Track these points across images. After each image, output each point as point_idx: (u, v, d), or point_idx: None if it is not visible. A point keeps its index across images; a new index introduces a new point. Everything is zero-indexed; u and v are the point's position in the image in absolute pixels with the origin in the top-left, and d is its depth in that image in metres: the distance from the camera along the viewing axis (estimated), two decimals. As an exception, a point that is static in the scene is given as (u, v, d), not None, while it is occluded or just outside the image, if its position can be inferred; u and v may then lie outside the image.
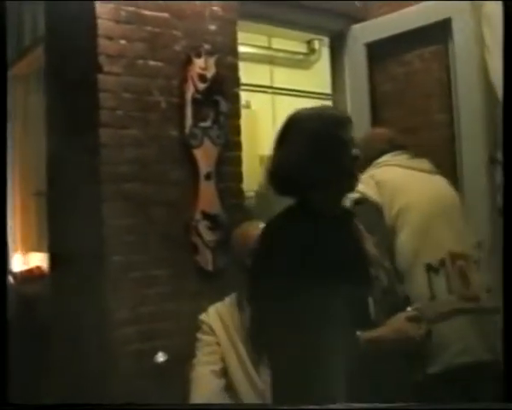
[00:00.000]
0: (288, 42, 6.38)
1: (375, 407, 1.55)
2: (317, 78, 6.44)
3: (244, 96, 5.64)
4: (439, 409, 1.54)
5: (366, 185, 2.66)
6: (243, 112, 4.71)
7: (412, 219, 2.66)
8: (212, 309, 2.99)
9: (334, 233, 2.07)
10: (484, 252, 3.68)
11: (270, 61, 6.36)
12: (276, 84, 6.42)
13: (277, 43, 6.37)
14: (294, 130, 2.13)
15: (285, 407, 1.61)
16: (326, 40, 5.96)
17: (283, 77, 6.46)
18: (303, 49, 6.59)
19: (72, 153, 3.43)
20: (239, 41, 3.88)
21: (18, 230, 4.73)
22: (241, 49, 5.27)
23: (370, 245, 2.17)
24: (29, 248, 4.59)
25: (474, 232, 3.73)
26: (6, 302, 1.86)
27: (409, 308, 2.13)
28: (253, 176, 5.64)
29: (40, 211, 4.38)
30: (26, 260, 4.50)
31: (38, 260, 4.34)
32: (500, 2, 3.65)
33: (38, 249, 4.42)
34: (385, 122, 4.26)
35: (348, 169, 2.09)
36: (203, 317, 2.97)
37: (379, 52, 4.27)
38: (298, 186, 2.10)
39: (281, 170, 2.10)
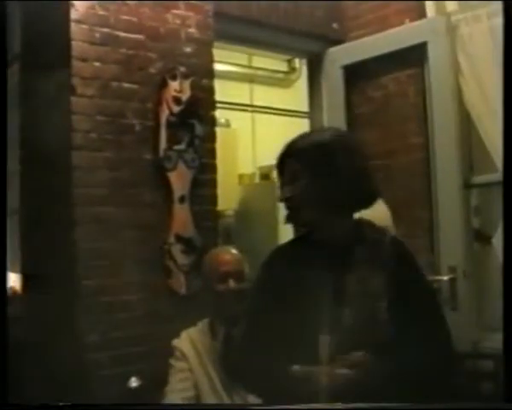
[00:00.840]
0: (269, 60, 6.39)
1: (375, 407, 1.54)
2: (298, 96, 6.45)
3: (224, 114, 5.67)
4: (439, 409, 1.54)
5: None
6: (223, 131, 4.73)
7: None
8: (184, 335, 2.98)
9: (339, 263, 2.02)
10: (457, 275, 3.71)
11: (251, 79, 6.38)
12: (256, 103, 6.43)
13: (258, 61, 6.38)
14: (299, 159, 2.06)
15: (285, 407, 1.60)
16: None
17: (263, 95, 6.48)
18: (283, 67, 6.61)
19: (44, 174, 3.40)
20: (219, 59, 3.89)
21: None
22: (221, 67, 5.31)
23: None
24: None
25: (448, 256, 3.77)
26: (6, 302, 1.87)
27: None
28: (231, 195, 5.66)
29: (14, 230, 4.33)
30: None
31: (12, 280, 4.29)
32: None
33: (12, 270, 4.37)
34: (361, 144, 4.27)
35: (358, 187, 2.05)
36: (176, 343, 2.95)
37: (356, 74, 4.28)
38: (311, 217, 2.06)
39: (294, 202, 2.06)
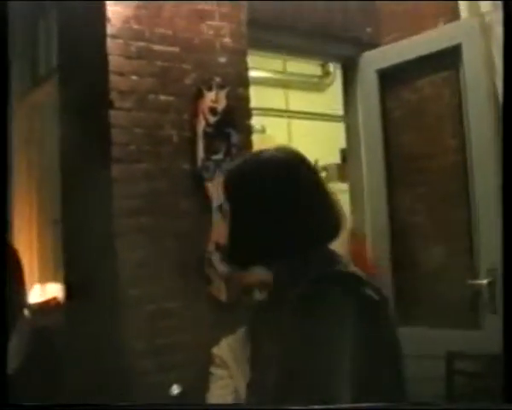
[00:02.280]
0: (303, 65, 6.41)
1: (374, 407, 1.48)
2: (332, 100, 6.46)
3: (259, 120, 5.70)
4: (439, 409, 1.54)
5: None
6: (259, 137, 4.75)
7: None
8: (224, 342, 3.00)
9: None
10: (496, 278, 3.69)
11: (285, 84, 6.41)
12: (292, 108, 6.46)
13: (292, 66, 6.41)
14: (238, 191, 1.80)
15: (285, 407, 1.51)
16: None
17: (298, 100, 6.50)
18: (317, 71, 6.63)
19: (85, 186, 3.46)
20: (253, 66, 3.91)
21: (35, 259, 4.78)
22: (256, 73, 5.35)
23: None
24: (46, 278, 4.63)
25: (486, 259, 3.75)
26: (6, 303, 1.80)
27: None
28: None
29: (57, 241, 4.42)
30: (43, 291, 4.54)
31: (55, 290, 4.37)
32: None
33: (55, 280, 4.46)
34: (398, 147, 4.28)
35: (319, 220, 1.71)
36: (215, 350, 2.98)
37: (391, 78, 4.28)
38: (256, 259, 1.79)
39: (235, 242, 1.83)
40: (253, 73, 4.07)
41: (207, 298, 3.52)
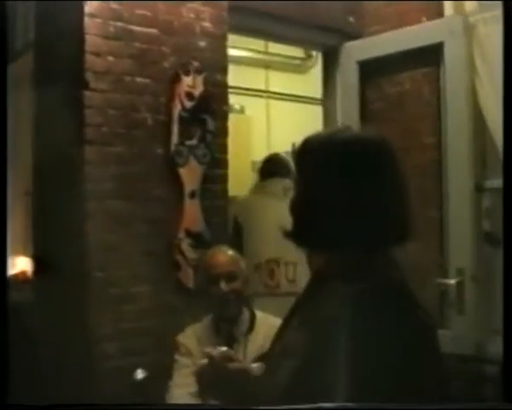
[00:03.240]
0: (285, 46, 6.34)
1: (374, 407, 1.43)
2: (313, 83, 6.41)
3: (238, 100, 5.66)
4: (439, 409, 1.46)
5: None
6: (237, 117, 4.71)
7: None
8: (189, 330, 3.01)
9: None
10: (466, 278, 3.71)
11: (266, 65, 6.35)
12: (272, 89, 6.41)
13: (273, 47, 6.34)
14: (308, 159, 1.62)
15: (284, 407, 1.47)
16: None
17: (279, 81, 6.45)
18: (299, 53, 6.57)
19: (57, 164, 3.42)
20: (234, 44, 3.86)
21: (6, 230, 4.71)
22: (237, 52, 5.29)
23: None
24: (16, 251, 4.57)
25: (456, 259, 3.76)
26: (6, 303, 1.83)
27: None
28: (244, 182, 5.65)
29: (28, 214, 4.36)
30: (13, 263, 4.49)
31: (24, 264, 4.33)
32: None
33: (25, 254, 4.41)
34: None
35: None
36: (180, 338, 2.99)
37: (371, 70, 4.25)
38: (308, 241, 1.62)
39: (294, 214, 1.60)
40: (233, 52, 4.04)
41: (175, 284, 3.50)
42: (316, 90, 6.34)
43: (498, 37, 3.62)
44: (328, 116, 4.54)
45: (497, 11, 3.66)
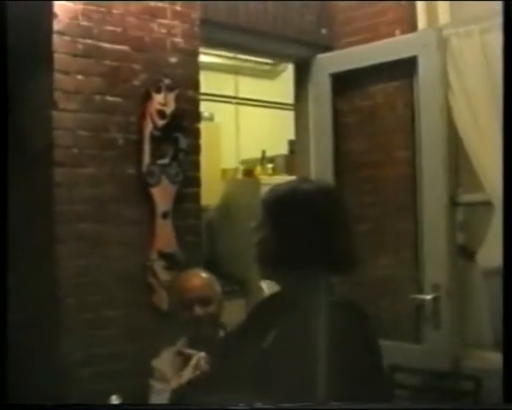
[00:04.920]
0: (254, 52, 6.28)
1: (375, 407, 1.55)
2: (283, 88, 6.38)
3: (208, 107, 5.58)
4: (439, 409, 1.57)
5: None
6: (206, 125, 4.64)
7: None
8: (164, 354, 2.95)
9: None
10: (441, 293, 3.69)
11: (236, 70, 6.28)
12: (241, 95, 6.35)
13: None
14: (267, 207, 1.95)
15: (284, 407, 1.57)
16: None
17: (248, 87, 6.39)
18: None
19: (25, 188, 3.32)
20: (204, 50, 3.80)
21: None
22: (206, 58, 5.21)
23: None
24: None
25: (431, 274, 3.74)
26: (6, 303, 1.85)
27: None
28: (214, 190, 5.60)
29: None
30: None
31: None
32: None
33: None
34: (347, 154, 4.23)
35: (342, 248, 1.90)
36: (156, 363, 2.92)
37: (344, 83, 4.21)
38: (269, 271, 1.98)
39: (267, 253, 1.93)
40: (203, 58, 3.97)
41: (148, 307, 3.43)
42: (286, 95, 6.33)
43: (472, 51, 3.65)
44: (300, 128, 4.48)
45: (471, 26, 3.66)
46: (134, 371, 3.25)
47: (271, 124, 6.29)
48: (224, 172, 5.93)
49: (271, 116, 6.35)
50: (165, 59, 3.53)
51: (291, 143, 5.86)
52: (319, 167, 4.27)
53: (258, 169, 5.66)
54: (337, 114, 4.25)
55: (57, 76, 3.19)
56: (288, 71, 6.33)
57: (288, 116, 6.38)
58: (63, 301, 3.20)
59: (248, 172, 5.74)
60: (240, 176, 5.85)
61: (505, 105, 1.93)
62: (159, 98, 3.44)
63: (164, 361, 2.93)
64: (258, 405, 1.69)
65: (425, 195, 3.79)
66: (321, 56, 4.28)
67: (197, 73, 3.66)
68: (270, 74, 6.54)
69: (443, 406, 1.54)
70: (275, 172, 5.74)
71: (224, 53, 6.10)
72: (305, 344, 1.74)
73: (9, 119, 3.42)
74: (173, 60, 3.55)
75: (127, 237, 3.38)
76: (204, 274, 2.95)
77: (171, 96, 3.49)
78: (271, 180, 5.48)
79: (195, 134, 3.63)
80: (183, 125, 3.55)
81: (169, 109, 3.47)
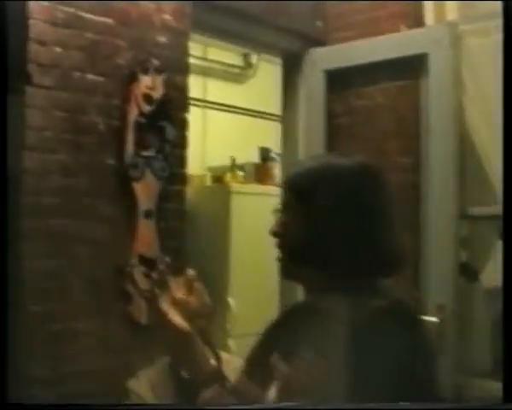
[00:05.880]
0: (224, 53, 5.90)
1: (375, 407, 1.39)
2: (252, 93, 6.03)
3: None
4: (439, 409, 1.43)
5: None
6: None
7: None
8: (142, 375, 2.55)
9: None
10: (446, 316, 3.34)
11: (204, 72, 5.87)
12: (209, 98, 5.93)
13: (213, 53, 5.88)
14: (295, 185, 1.57)
15: (285, 407, 1.43)
16: (264, 55, 5.61)
17: (217, 90, 5.98)
18: (239, 62, 6.13)
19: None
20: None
21: None
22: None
23: None
24: None
25: (436, 293, 3.39)
26: (6, 302, 1.73)
27: None
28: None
29: None
30: None
31: None
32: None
33: None
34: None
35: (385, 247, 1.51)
36: (132, 385, 2.53)
37: (339, 81, 3.84)
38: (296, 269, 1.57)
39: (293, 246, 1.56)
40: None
41: (124, 319, 2.99)
42: (255, 101, 5.98)
43: (489, 50, 3.33)
44: (287, 130, 4.10)
45: (487, 22, 3.35)
46: (106, 394, 2.80)
47: (240, 130, 5.89)
48: (189, 178, 5.48)
49: (239, 122, 5.95)
50: (152, 37, 3.12)
51: (262, 150, 5.48)
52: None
53: (228, 176, 5.24)
54: (331, 115, 3.88)
55: (32, 46, 2.74)
56: (259, 76, 6.05)
57: (258, 123, 6.07)
58: (26, 309, 2.73)
59: (217, 179, 5.32)
60: (208, 183, 5.42)
61: (505, 105, 1.73)
62: (146, 81, 3.01)
63: (143, 383, 2.54)
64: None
65: (430, 206, 3.44)
66: (315, 50, 3.90)
67: (187, 57, 3.27)
68: (239, 78, 6.16)
69: (443, 406, 1.44)
70: (246, 180, 5.34)
71: (192, 52, 5.71)
72: (347, 367, 1.38)
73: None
74: (162, 39, 3.14)
75: (102, 238, 2.94)
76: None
77: (160, 80, 3.07)
78: (242, 188, 5.09)
79: (183, 125, 3.22)
80: (171, 114, 3.13)
81: (156, 94, 3.05)
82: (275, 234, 1.59)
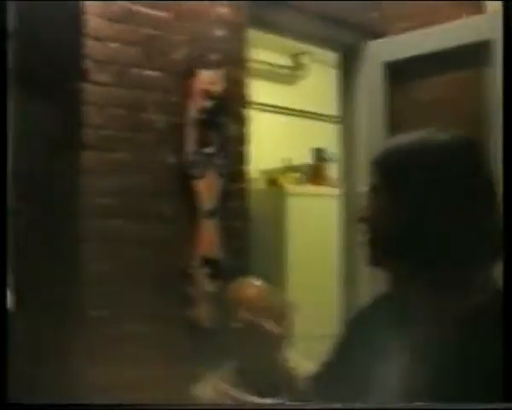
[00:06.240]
0: (273, 54, 5.78)
1: (375, 407, 1.34)
2: (303, 94, 5.90)
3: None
4: (439, 409, 1.29)
5: None
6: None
7: None
8: (207, 381, 2.42)
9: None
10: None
11: (253, 73, 5.74)
12: (259, 100, 5.81)
13: (261, 54, 5.75)
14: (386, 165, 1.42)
15: (285, 407, 1.48)
16: (316, 55, 5.48)
17: (266, 92, 5.86)
18: (288, 62, 6.01)
19: (43, 176, 2.78)
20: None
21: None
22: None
23: None
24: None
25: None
26: (6, 301, 1.74)
27: None
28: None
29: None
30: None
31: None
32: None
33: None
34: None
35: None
36: (198, 393, 2.40)
37: (400, 73, 3.69)
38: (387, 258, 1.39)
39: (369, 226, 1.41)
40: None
41: (187, 323, 2.87)
42: (306, 102, 5.86)
43: None
44: (345, 129, 3.95)
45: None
46: (168, 403, 2.68)
47: (291, 132, 5.77)
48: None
49: (290, 124, 5.83)
50: (209, 31, 3.01)
51: (317, 151, 5.35)
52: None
53: (283, 178, 5.13)
54: (391, 110, 3.73)
55: (88, 42, 2.65)
56: (310, 77, 5.93)
57: (309, 124, 5.94)
58: (85, 313, 2.64)
59: (272, 182, 5.20)
60: (262, 186, 5.29)
61: (505, 106, 1.56)
62: (205, 75, 2.90)
63: (209, 390, 2.41)
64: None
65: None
66: (374, 43, 3.76)
67: (245, 51, 3.15)
68: (289, 79, 6.03)
69: (444, 406, 1.27)
70: (300, 181, 5.21)
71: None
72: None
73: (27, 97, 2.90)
74: (219, 33, 3.03)
75: (163, 239, 2.84)
76: (262, 284, 2.41)
77: (219, 75, 2.96)
78: (298, 190, 4.97)
79: (244, 121, 3.10)
80: (231, 110, 3.01)
81: (216, 89, 2.94)
82: (362, 219, 1.43)
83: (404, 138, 1.44)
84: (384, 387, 1.31)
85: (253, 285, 2.39)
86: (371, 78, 3.78)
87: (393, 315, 1.37)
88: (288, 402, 1.43)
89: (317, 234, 4.78)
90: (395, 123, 3.72)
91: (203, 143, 2.90)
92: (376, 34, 3.80)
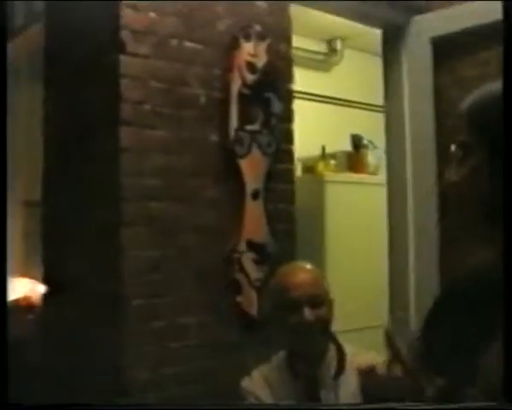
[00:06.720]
0: (306, 40, 5.60)
1: (375, 407, 1.37)
2: (338, 81, 5.71)
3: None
4: (439, 409, 1.27)
5: None
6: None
7: None
8: (256, 374, 2.25)
9: None
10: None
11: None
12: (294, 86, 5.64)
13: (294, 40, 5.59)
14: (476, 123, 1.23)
15: (285, 407, 1.46)
16: (350, 41, 5.31)
17: (300, 79, 5.68)
18: (322, 48, 5.82)
19: (80, 157, 2.62)
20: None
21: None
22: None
23: None
24: (16, 271, 3.69)
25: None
26: (6, 301, 1.67)
27: None
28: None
29: (31, 225, 3.50)
30: (11, 287, 3.60)
31: (26, 288, 3.46)
32: None
33: (27, 275, 3.54)
34: (452, 135, 3.51)
35: None
36: (246, 384, 2.23)
37: (448, 49, 3.50)
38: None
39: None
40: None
41: (234, 312, 2.70)
42: (341, 89, 5.67)
43: None
44: (389, 114, 3.75)
45: None
46: (216, 397, 2.52)
47: (327, 119, 5.58)
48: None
49: (326, 111, 5.64)
50: (252, 3, 2.83)
51: (354, 137, 5.15)
52: (417, 156, 3.54)
53: (320, 166, 4.95)
54: (439, 88, 3.53)
55: (125, 11, 2.49)
56: (344, 63, 5.74)
57: (345, 112, 5.76)
58: (125, 304, 2.47)
59: (309, 169, 5.02)
60: (299, 173, 5.12)
61: (505, 106, 1.33)
62: (248, 47, 2.73)
63: (258, 382, 2.24)
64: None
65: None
66: (419, 18, 3.56)
67: (289, 24, 2.97)
68: (324, 65, 5.84)
69: (443, 406, 1.24)
70: (338, 168, 5.03)
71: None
72: None
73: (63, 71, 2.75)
74: (262, 5, 2.85)
75: (207, 222, 2.66)
76: (311, 268, 2.22)
77: (263, 47, 2.79)
78: (336, 177, 4.79)
79: (289, 96, 2.93)
80: (277, 85, 2.84)
81: (260, 62, 2.77)
82: (452, 186, 1.24)
83: (496, 85, 1.28)
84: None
85: (301, 269, 2.22)
86: (417, 55, 3.58)
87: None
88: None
89: (356, 222, 4.61)
90: (443, 102, 3.54)
91: (247, 119, 2.72)
92: (419, 11, 3.60)
